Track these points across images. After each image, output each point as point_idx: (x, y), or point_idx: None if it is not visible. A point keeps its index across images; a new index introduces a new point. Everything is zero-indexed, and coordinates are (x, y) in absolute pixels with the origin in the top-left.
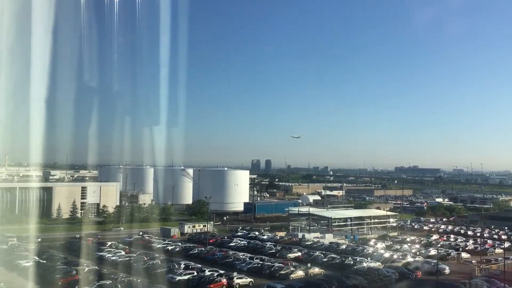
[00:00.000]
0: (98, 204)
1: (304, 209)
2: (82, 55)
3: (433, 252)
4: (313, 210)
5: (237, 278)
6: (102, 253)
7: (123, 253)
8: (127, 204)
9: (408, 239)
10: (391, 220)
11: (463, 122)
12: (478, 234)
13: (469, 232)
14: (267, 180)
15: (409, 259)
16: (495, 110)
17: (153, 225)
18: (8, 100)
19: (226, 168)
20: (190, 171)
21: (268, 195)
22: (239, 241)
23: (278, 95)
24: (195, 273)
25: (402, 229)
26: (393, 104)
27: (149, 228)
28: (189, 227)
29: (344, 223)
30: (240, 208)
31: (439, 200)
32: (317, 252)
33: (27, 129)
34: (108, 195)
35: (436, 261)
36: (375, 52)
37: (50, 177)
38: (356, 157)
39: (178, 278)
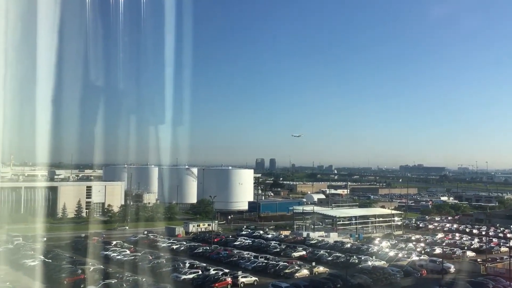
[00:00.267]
0: (103, 204)
1: (308, 208)
2: (87, 55)
3: (438, 250)
4: (317, 209)
5: (241, 277)
6: (107, 252)
7: (128, 252)
8: (132, 203)
9: (413, 238)
10: (396, 218)
11: (468, 120)
12: (483, 233)
13: (474, 231)
14: (271, 179)
15: (414, 257)
16: (500, 108)
17: (158, 224)
18: (14, 99)
19: (230, 167)
20: (195, 170)
21: (272, 194)
22: (244, 240)
23: (282, 94)
24: (200, 272)
25: (407, 228)
26: (398, 102)
27: (154, 227)
28: (193, 226)
29: (348, 222)
30: (245, 207)
31: (444, 198)
32: (321, 251)
33: (33, 128)
34: (113, 194)
35: (441, 259)
36: (379, 51)
37: (55, 177)
38: (361, 156)
39: (183, 277)
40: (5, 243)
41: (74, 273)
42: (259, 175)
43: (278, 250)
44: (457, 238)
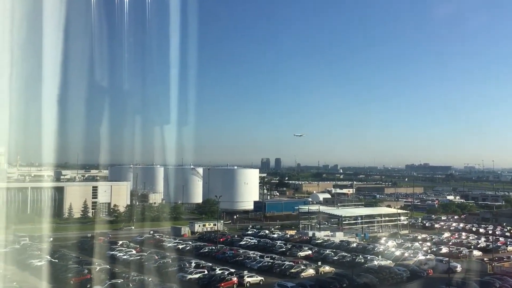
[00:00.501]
0: (109, 204)
1: (314, 208)
2: (92, 55)
3: (444, 250)
4: (323, 208)
5: (247, 277)
6: (113, 252)
7: (134, 252)
8: (137, 203)
9: (419, 237)
10: (402, 218)
11: (475, 118)
12: (490, 232)
13: (481, 230)
14: (277, 178)
15: (420, 257)
16: (507, 106)
17: (164, 224)
18: (19, 99)
19: (235, 167)
20: (200, 170)
21: (278, 193)
22: (249, 240)
23: (287, 93)
24: (206, 272)
25: (413, 227)
26: (403, 101)
27: (159, 227)
28: (199, 226)
29: (354, 221)
30: (250, 206)
31: (450, 197)
32: (327, 251)
33: (38, 129)
34: (119, 194)
35: (447, 259)
36: (385, 50)
37: (61, 177)
38: (366, 155)
39: (189, 276)
40: (12, 243)
41: (80, 273)
42: (265, 174)
43: (284, 249)
44: (463, 237)
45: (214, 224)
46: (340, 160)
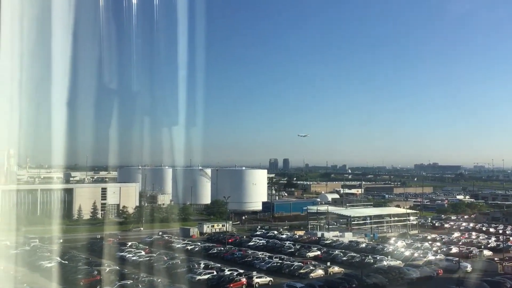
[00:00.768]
0: (118, 205)
1: (322, 208)
2: (101, 57)
3: (454, 250)
4: (332, 208)
5: (256, 277)
6: (122, 253)
7: (143, 253)
8: (146, 204)
9: (429, 237)
10: (411, 218)
11: (484, 117)
12: (500, 231)
13: (491, 230)
14: (285, 179)
15: (430, 257)
16: None
17: (173, 225)
18: (29, 102)
19: (244, 168)
20: (208, 171)
21: (286, 194)
22: (258, 241)
23: (295, 93)
24: (215, 273)
25: (422, 227)
26: (412, 100)
27: (168, 228)
28: (208, 226)
29: (363, 222)
30: (259, 207)
31: (460, 197)
32: (336, 251)
33: (48, 131)
34: (128, 195)
35: (457, 259)
36: (392, 49)
37: (71, 179)
38: (375, 155)
39: (198, 277)
40: (22, 245)
41: (90, 274)
42: (273, 175)
43: (293, 250)
44: (473, 237)
45: (222, 225)
46: (348, 160)
